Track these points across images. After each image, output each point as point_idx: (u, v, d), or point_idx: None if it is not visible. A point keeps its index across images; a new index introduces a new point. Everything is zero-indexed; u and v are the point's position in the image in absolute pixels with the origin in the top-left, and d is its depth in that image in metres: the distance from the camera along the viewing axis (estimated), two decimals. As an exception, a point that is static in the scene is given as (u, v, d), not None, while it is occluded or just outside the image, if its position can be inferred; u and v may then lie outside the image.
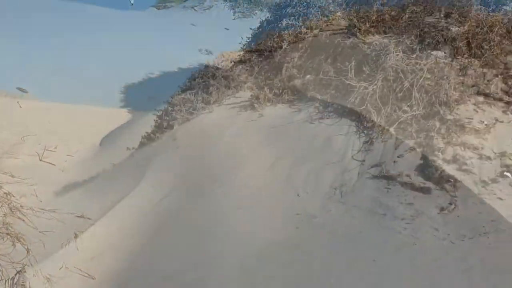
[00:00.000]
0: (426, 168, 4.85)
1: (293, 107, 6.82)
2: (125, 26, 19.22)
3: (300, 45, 7.63)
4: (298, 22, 11.88)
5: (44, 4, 19.69)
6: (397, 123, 5.44)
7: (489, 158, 4.78)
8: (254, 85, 7.50)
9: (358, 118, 5.84)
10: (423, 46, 5.98)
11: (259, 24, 14.98)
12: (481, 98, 5.40)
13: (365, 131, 5.63)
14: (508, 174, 4.57)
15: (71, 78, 12.57)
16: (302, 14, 12.81)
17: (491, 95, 5.40)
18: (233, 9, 25.33)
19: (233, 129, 6.70)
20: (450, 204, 4.45)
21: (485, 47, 5.90)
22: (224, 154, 6.16)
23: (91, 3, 22.29)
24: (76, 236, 4.84)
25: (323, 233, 4.35)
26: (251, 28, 15.04)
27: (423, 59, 5.81)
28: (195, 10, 25.47)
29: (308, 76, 7.09)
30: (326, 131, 5.93)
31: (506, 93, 5.41)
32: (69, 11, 19.80)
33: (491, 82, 5.50)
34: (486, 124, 5.10)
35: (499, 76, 5.56)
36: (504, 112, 5.26)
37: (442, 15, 6.60)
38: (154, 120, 8.05)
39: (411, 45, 6.05)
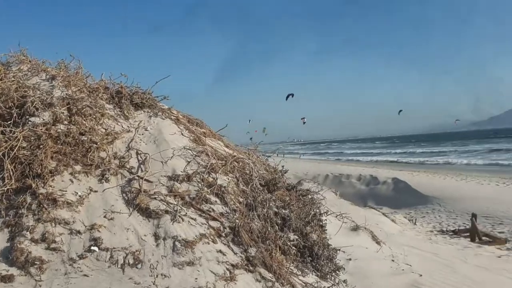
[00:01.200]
0: (12, 251, 4.50)
1: None
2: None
3: None
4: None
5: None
6: (-13, 200, 4.91)
7: (79, 232, 4.84)
8: None
9: None
10: (22, 111, 5.66)
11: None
12: (78, 167, 5.49)
13: None
14: (96, 248, 4.73)
15: None
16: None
17: (90, 164, 5.56)
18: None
19: None
20: (33, 291, 4.23)
21: (87, 113, 6.09)
22: None
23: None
24: None
25: None
26: None
27: (20, 126, 5.50)
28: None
29: None
30: None
31: (103, 160, 5.69)
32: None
33: (89, 150, 5.68)
34: (80, 196, 5.18)
35: (98, 143, 5.80)
36: (99, 180, 5.50)
37: (48, 77, 6.48)
38: None
39: (8, 110, 5.63)
